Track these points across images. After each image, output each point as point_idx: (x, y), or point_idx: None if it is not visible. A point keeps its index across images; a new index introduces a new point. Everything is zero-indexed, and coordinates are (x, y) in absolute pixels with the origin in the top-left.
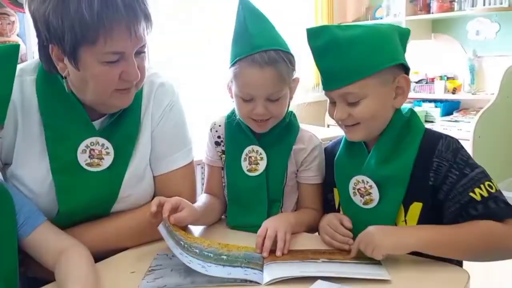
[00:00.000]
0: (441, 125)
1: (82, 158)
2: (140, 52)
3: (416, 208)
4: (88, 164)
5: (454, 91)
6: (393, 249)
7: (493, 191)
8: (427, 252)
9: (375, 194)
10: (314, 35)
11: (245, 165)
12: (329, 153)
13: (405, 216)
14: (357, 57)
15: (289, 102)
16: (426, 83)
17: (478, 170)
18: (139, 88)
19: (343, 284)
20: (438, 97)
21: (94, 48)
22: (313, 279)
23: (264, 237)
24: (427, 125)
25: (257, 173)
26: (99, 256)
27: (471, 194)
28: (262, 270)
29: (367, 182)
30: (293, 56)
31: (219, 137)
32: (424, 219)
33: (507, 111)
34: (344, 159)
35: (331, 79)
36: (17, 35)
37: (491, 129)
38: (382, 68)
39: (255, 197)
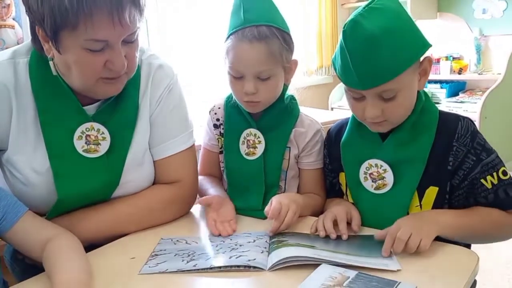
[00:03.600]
0: (446, 106)
1: (79, 145)
2: (128, 41)
3: (432, 192)
4: (86, 151)
5: (460, 71)
6: (431, 239)
7: (505, 178)
8: (444, 236)
9: (390, 178)
10: (351, 35)
11: (243, 148)
12: (335, 136)
13: (420, 201)
14: (393, 52)
15: (287, 86)
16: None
17: (493, 156)
18: (131, 76)
19: (348, 267)
20: (444, 78)
21: (75, 33)
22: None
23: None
24: None
25: (255, 157)
26: (98, 243)
27: (482, 181)
28: (267, 256)
29: (381, 166)
30: (289, 35)
31: (218, 119)
32: (438, 204)
33: None
34: (354, 143)
35: (367, 78)
36: (13, 18)
37: (497, 110)
38: (417, 59)
39: (252, 181)
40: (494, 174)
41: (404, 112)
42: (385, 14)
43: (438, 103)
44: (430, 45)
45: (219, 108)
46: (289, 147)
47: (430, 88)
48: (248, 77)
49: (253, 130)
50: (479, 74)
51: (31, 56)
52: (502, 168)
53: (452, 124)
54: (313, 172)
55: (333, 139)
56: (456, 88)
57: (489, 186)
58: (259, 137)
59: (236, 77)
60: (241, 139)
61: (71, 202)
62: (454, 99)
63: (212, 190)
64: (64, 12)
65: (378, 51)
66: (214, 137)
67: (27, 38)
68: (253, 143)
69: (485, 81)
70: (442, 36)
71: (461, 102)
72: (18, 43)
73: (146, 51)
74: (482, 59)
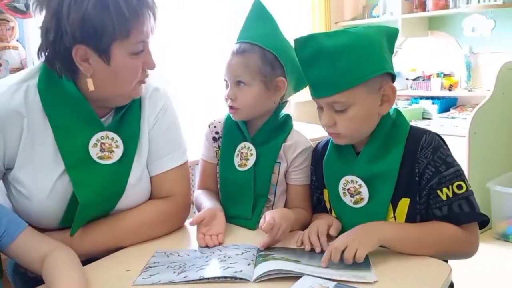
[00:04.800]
0: (438, 121)
1: (94, 152)
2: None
3: (404, 204)
4: (100, 158)
5: (450, 88)
6: (373, 247)
7: (460, 192)
8: (389, 247)
9: (365, 193)
10: (302, 45)
11: (236, 160)
12: (320, 154)
13: (394, 212)
14: (344, 67)
15: (282, 104)
16: (423, 80)
17: (452, 169)
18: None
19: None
20: (435, 94)
21: (127, 40)
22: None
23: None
24: (425, 122)
25: (246, 168)
26: (95, 257)
27: (439, 192)
28: (253, 268)
29: (357, 181)
30: (273, 55)
31: (217, 133)
32: (411, 215)
33: (503, 107)
34: (332, 160)
35: (319, 88)
36: (17, 40)
37: (486, 125)
38: (369, 78)
39: (242, 190)
40: (450, 187)
41: (357, 128)
42: (347, 34)
43: (429, 118)
44: (386, 71)
45: (219, 122)
46: (279, 162)
47: (422, 104)
48: (230, 85)
49: (247, 144)
50: (469, 90)
51: (40, 77)
52: (458, 183)
53: (418, 138)
54: (300, 188)
55: (318, 156)
56: (447, 104)
57: (444, 198)
58: (251, 150)
59: (226, 85)
60: (236, 151)
61: (90, 209)
62: (445, 114)
63: (207, 202)
64: (123, 21)
65: (327, 64)
66: (213, 149)
67: (30, 59)
68: (245, 156)
69: (476, 97)
70: (433, 53)
71: (452, 118)
72: (21, 64)
73: None
74: (473, 76)
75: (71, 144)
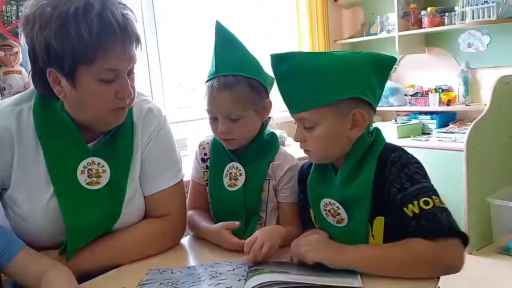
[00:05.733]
0: (436, 136)
1: (82, 178)
2: (130, 73)
3: (379, 222)
4: (88, 183)
5: (448, 102)
6: (328, 262)
7: (428, 207)
8: (363, 270)
9: (343, 214)
10: (279, 61)
11: (226, 180)
12: (305, 173)
13: (372, 231)
14: (315, 86)
15: (267, 122)
16: (421, 95)
17: (418, 185)
18: (130, 106)
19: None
20: (434, 109)
21: (91, 67)
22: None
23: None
24: (424, 137)
25: (236, 188)
26: (91, 275)
27: (405, 209)
28: (243, 284)
29: (334, 203)
30: (257, 81)
31: (205, 154)
32: (388, 232)
33: (500, 121)
34: (314, 182)
35: (290, 104)
36: (20, 64)
37: (484, 139)
38: (331, 101)
39: (234, 210)
40: (415, 202)
41: (323, 147)
42: (329, 56)
43: (429, 133)
44: (355, 95)
45: (207, 143)
46: (269, 179)
47: (421, 119)
48: (221, 119)
49: (235, 164)
50: (467, 105)
51: (35, 101)
52: (424, 199)
53: (387, 156)
54: (289, 206)
55: (303, 176)
56: (446, 119)
57: (410, 214)
58: (240, 170)
59: (212, 118)
60: (225, 172)
61: (81, 234)
62: (444, 129)
63: (204, 223)
64: (84, 48)
65: (300, 81)
66: (201, 170)
67: (31, 88)
68: (234, 175)
69: (474, 112)
70: (431, 69)
71: (451, 132)
72: (24, 87)
73: (139, 95)
74: (470, 91)
75: (60, 170)
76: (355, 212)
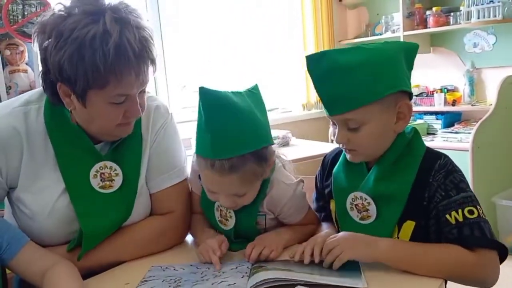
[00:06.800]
0: (442, 136)
1: (95, 182)
2: (142, 91)
3: (408, 226)
4: (102, 187)
5: (454, 103)
6: (363, 258)
7: (472, 217)
8: (395, 264)
9: (373, 211)
10: (314, 62)
11: (217, 215)
12: (330, 163)
13: (398, 233)
14: (357, 84)
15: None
16: (427, 95)
17: (464, 194)
18: (138, 118)
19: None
20: (439, 109)
21: (103, 91)
22: (292, 285)
23: (253, 248)
24: (429, 137)
25: (227, 228)
26: (95, 271)
27: (447, 216)
28: (247, 280)
29: (365, 199)
30: (265, 148)
31: None
32: (415, 238)
33: (505, 121)
34: (342, 174)
35: (332, 105)
36: (26, 63)
37: (489, 139)
38: (382, 96)
39: (229, 237)
40: (459, 211)
41: (372, 146)
42: (361, 50)
43: (434, 134)
44: (401, 88)
45: None
46: (264, 215)
47: (426, 120)
48: (223, 195)
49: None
50: (472, 105)
51: (45, 104)
52: (469, 208)
53: (432, 162)
54: (297, 222)
55: (326, 167)
56: (451, 119)
57: (453, 221)
58: (230, 212)
59: (210, 191)
60: (216, 205)
61: (95, 237)
62: (449, 129)
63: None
64: (97, 75)
65: (339, 80)
66: (200, 187)
67: (39, 82)
68: (225, 215)
69: (479, 112)
70: (436, 69)
71: (456, 132)
72: (30, 86)
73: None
74: (476, 91)
75: (73, 174)
76: (385, 211)
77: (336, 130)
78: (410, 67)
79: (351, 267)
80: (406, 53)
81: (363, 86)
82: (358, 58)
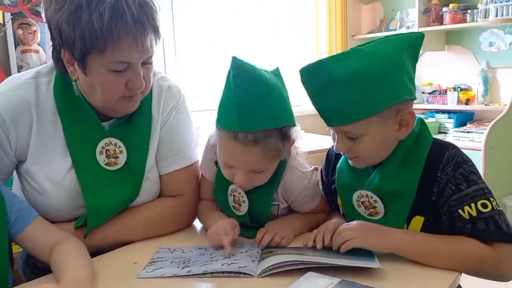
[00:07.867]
0: (453, 135)
1: (101, 159)
2: (146, 63)
3: (417, 221)
4: (107, 164)
5: (467, 102)
6: (376, 247)
7: (486, 210)
8: (408, 255)
9: (380, 208)
10: (309, 75)
11: (230, 200)
12: (335, 158)
13: (406, 228)
14: (355, 97)
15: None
16: (439, 94)
17: (476, 187)
18: (145, 95)
19: (334, 275)
20: (452, 108)
21: (102, 56)
22: (304, 271)
23: (264, 234)
24: (440, 136)
25: (240, 213)
26: (103, 250)
27: (460, 211)
28: (257, 264)
29: (372, 197)
30: (289, 126)
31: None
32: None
33: None
34: (345, 172)
35: (329, 118)
36: (38, 44)
37: (503, 140)
38: (382, 109)
39: (242, 224)
40: (472, 205)
41: (373, 154)
42: (359, 56)
43: (446, 132)
44: (405, 98)
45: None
46: (278, 205)
47: (438, 118)
48: (241, 171)
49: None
50: (486, 105)
51: (55, 78)
52: (482, 201)
53: (440, 155)
54: (312, 209)
55: (331, 161)
56: (464, 118)
57: (466, 216)
58: (242, 196)
59: (227, 166)
60: (229, 191)
61: (101, 213)
62: (461, 129)
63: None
64: (94, 37)
65: (336, 94)
66: (213, 172)
67: (50, 62)
68: (238, 200)
69: (493, 112)
70: (450, 67)
71: (468, 132)
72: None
73: (157, 74)
74: (490, 90)
75: (80, 149)
76: (393, 208)
77: (336, 139)
78: (414, 60)
79: (365, 253)
80: (410, 48)
81: (360, 100)
82: (355, 68)
